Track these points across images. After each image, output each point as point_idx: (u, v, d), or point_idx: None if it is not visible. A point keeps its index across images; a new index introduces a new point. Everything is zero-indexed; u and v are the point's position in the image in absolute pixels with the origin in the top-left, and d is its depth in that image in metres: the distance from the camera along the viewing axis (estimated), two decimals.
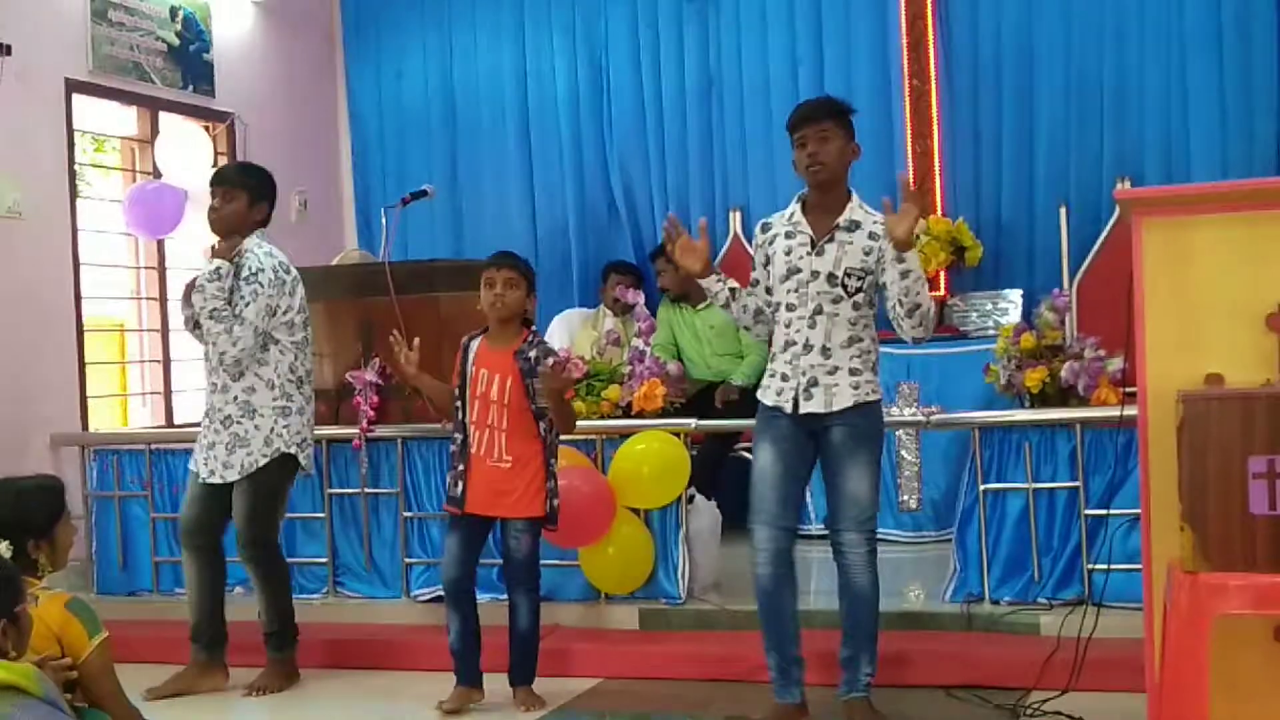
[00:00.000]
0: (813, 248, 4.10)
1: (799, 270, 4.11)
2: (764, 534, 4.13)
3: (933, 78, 7.25)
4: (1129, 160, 7.00)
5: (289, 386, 4.96)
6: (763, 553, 4.12)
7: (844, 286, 4.07)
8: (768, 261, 4.20)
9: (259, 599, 4.98)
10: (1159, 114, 6.98)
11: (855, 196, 4.18)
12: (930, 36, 7.25)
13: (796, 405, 4.08)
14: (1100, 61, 7.10)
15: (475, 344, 4.60)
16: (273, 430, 4.90)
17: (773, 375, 4.20)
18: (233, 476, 4.89)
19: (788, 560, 4.14)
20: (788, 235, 4.16)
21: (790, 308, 4.12)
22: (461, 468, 4.55)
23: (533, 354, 4.50)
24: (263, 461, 4.88)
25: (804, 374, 4.09)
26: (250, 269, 4.87)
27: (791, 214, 4.20)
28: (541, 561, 4.66)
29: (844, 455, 4.08)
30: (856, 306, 4.09)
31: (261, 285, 4.85)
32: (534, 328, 4.67)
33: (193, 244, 6.94)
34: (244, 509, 4.91)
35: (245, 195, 4.98)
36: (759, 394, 4.24)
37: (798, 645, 4.17)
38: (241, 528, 4.92)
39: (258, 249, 4.93)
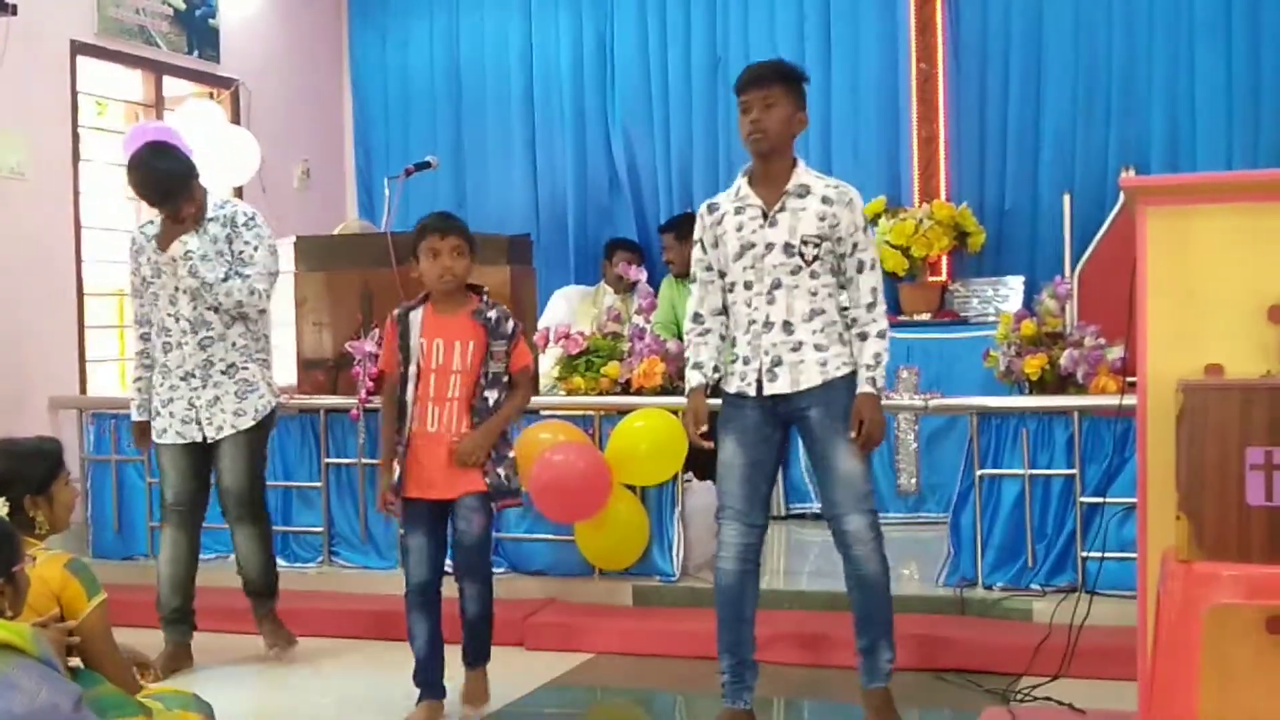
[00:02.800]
0: (764, 219, 3.88)
1: (753, 245, 3.87)
2: (731, 531, 3.93)
3: (940, 62, 7.25)
4: (1134, 149, 7.00)
5: (264, 340, 4.97)
6: (728, 548, 3.93)
7: (801, 255, 3.83)
8: (716, 243, 3.96)
9: (251, 558, 4.94)
10: (1165, 103, 6.98)
11: (801, 163, 3.96)
12: (938, 20, 7.25)
13: (760, 388, 3.87)
14: (1108, 49, 7.09)
15: (416, 316, 4.17)
16: (266, 383, 4.91)
17: (733, 360, 3.96)
18: (245, 424, 4.81)
19: (754, 558, 3.98)
20: (737, 211, 3.92)
21: (748, 285, 3.89)
22: (403, 449, 4.13)
23: (492, 314, 4.14)
24: (272, 405, 4.89)
25: (766, 353, 3.87)
26: (245, 213, 4.84)
27: (738, 189, 3.96)
28: (538, 537, 4.65)
29: (827, 436, 3.87)
30: (815, 275, 3.84)
31: (262, 228, 4.84)
32: (481, 288, 4.25)
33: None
34: (242, 468, 4.85)
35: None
36: (721, 383, 4.00)
37: (753, 649, 3.99)
38: (242, 488, 4.87)
39: (228, 202, 4.92)
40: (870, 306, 3.88)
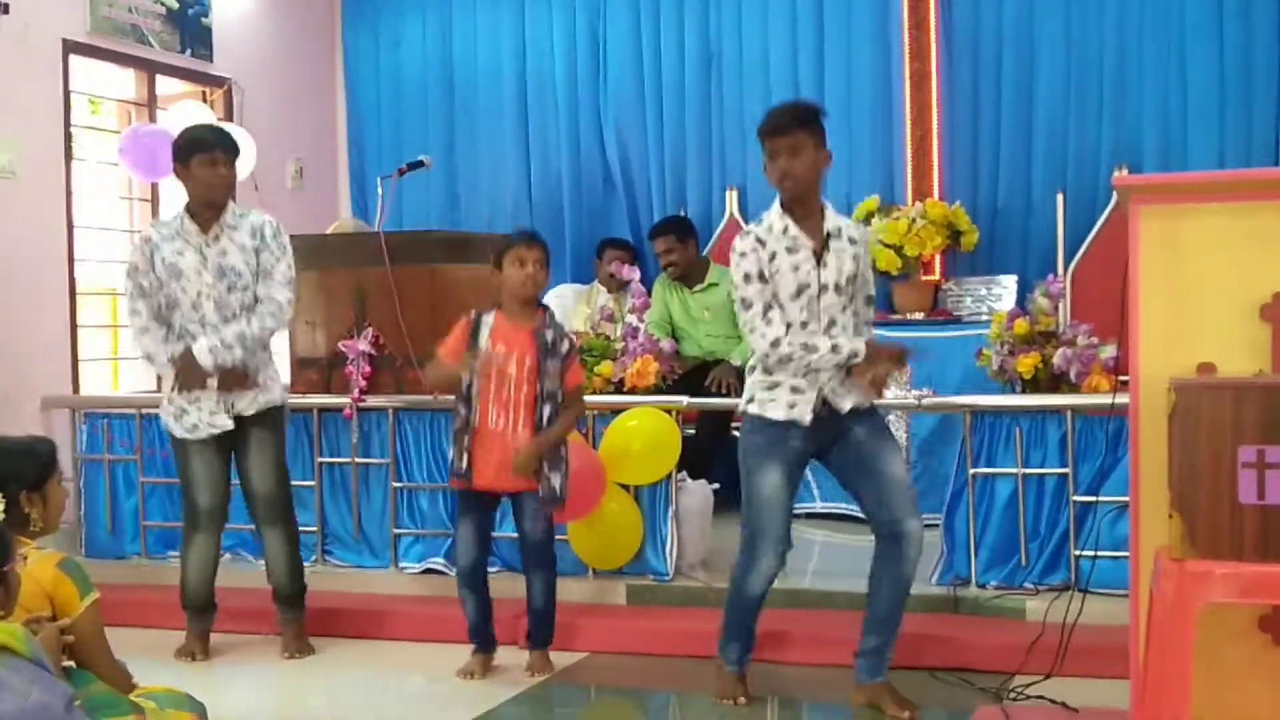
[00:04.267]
0: (817, 262, 4.07)
1: (808, 285, 4.05)
2: (768, 561, 4.16)
3: (934, 60, 7.24)
4: (1127, 148, 7.01)
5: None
6: (762, 575, 4.18)
7: (848, 295, 4.12)
8: (771, 276, 4.06)
9: (281, 560, 4.99)
10: (1158, 102, 6.99)
11: (827, 202, 4.19)
12: (932, 19, 7.24)
13: (823, 411, 4.08)
14: (1101, 49, 7.10)
15: (489, 318, 4.55)
16: (281, 377, 5.00)
17: (776, 387, 4.10)
18: (257, 408, 4.85)
19: (780, 566, 4.26)
20: (789, 250, 4.06)
21: (804, 324, 4.05)
22: (467, 440, 4.53)
23: (549, 334, 4.51)
24: (280, 400, 4.95)
25: (825, 384, 4.08)
26: (272, 224, 4.89)
27: (785, 228, 4.08)
28: None
29: (876, 445, 4.14)
30: (856, 313, 4.18)
31: (286, 239, 4.90)
32: (547, 305, 4.67)
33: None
34: (272, 470, 4.92)
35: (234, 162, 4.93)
36: (756, 409, 4.14)
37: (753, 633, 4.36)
38: (272, 490, 4.92)
39: (251, 211, 4.94)
40: (869, 324, 4.28)
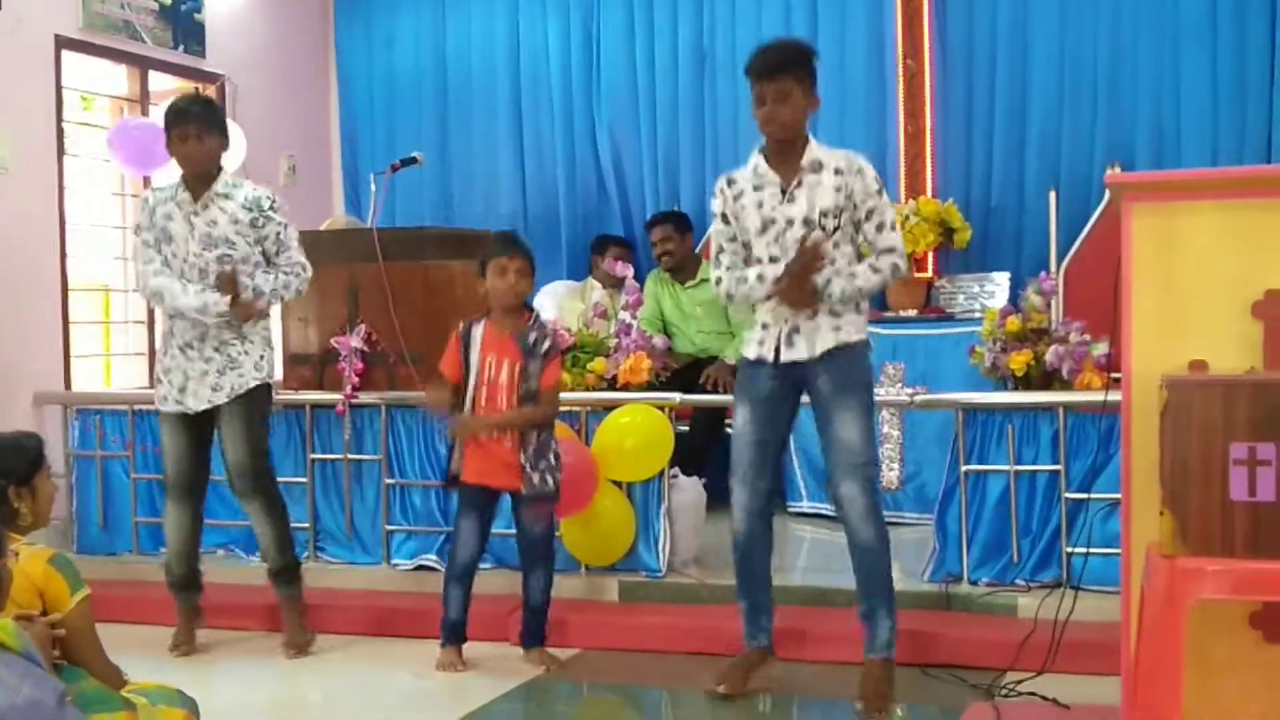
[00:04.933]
0: (783, 195, 4.10)
1: (774, 220, 4.10)
2: (740, 494, 4.24)
3: (926, 57, 7.24)
4: (1120, 145, 7.01)
5: (267, 320, 4.99)
6: (738, 510, 4.25)
7: (821, 228, 4.06)
8: (736, 216, 4.17)
9: (266, 535, 4.98)
10: (1151, 100, 6.99)
11: (813, 139, 4.18)
12: (925, 16, 7.24)
13: (778, 354, 4.11)
14: (1094, 46, 7.10)
15: (478, 330, 4.61)
16: (261, 357, 4.91)
17: (753, 327, 4.23)
18: (220, 399, 4.84)
19: (764, 518, 4.27)
20: (756, 188, 4.14)
21: (773, 259, 4.10)
22: (461, 443, 4.65)
23: (531, 336, 4.57)
24: (251, 384, 4.86)
25: (786, 321, 4.11)
26: (269, 197, 4.88)
27: (755, 166, 4.18)
28: None
29: (833, 402, 4.09)
30: (836, 245, 4.09)
31: (284, 211, 4.90)
32: (533, 308, 4.72)
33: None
34: (242, 444, 4.88)
35: (219, 132, 4.91)
36: (742, 349, 4.29)
37: (768, 594, 4.35)
38: (245, 462, 4.89)
39: (245, 183, 4.93)
40: (889, 251, 4.11)
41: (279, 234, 4.87)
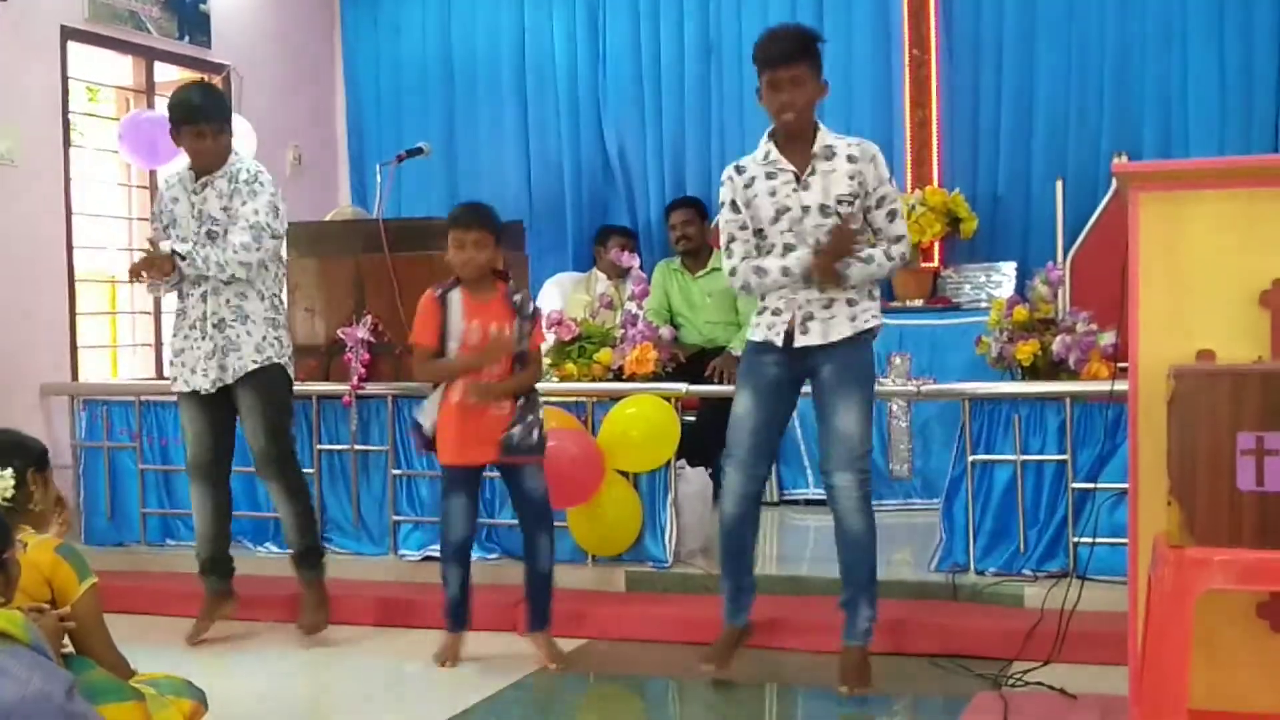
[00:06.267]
0: (797, 182, 4.08)
1: (788, 208, 4.08)
2: (734, 477, 4.23)
3: (933, 47, 7.24)
4: (1127, 135, 7.01)
5: (276, 300, 4.97)
6: (730, 493, 4.25)
7: (838, 215, 4.05)
8: (748, 204, 4.15)
9: (287, 517, 4.99)
10: (1158, 89, 6.99)
11: (822, 125, 4.17)
12: (932, 5, 7.24)
13: (790, 339, 4.09)
14: (1101, 36, 7.09)
15: (455, 296, 4.52)
16: (264, 338, 4.88)
17: (763, 311, 4.20)
18: (228, 379, 4.84)
19: (754, 503, 4.28)
20: (768, 176, 4.12)
21: (788, 247, 4.09)
22: (435, 418, 4.55)
23: (518, 297, 4.56)
24: (251, 367, 4.84)
25: (800, 308, 4.09)
26: (249, 170, 4.87)
27: (766, 153, 4.15)
28: None
29: (834, 392, 4.09)
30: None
31: (262, 184, 4.86)
32: (506, 274, 4.62)
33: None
34: (260, 425, 4.88)
35: (228, 124, 4.94)
36: (748, 334, 4.28)
37: (751, 575, 4.38)
38: (263, 444, 4.90)
39: (240, 160, 4.92)
40: (897, 240, 4.12)
41: (241, 206, 4.81)
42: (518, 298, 4.56)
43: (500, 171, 8.27)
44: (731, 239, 4.19)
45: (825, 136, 4.12)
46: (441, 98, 8.40)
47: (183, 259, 4.73)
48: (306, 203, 7.69)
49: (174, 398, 5.11)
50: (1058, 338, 5.05)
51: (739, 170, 4.19)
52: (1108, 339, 4.96)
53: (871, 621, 4.19)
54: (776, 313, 4.14)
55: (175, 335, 4.98)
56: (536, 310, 4.67)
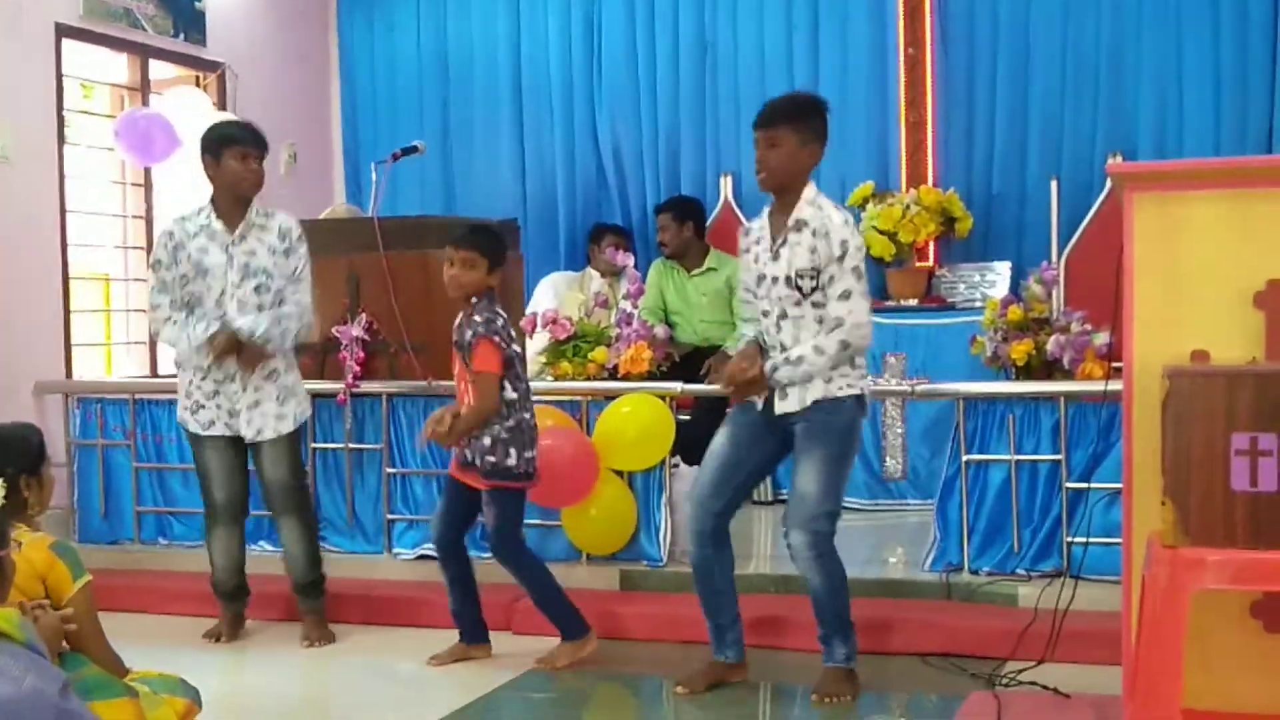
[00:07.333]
0: (770, 253, 4.13)
1: (764, 275, 4.15)
2: (694, 514, 4.26)
3: (928, 47, 7.24)
4: (1122, 135, 7.01)
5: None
6: (691, 534, 4.27)
7: (799, 289, 4.05)
8: (748, 266, 4.26)
9: (297, 550, 5.02)
10: (1153, 89, 6.99)
11: (810, 190, 4.11)
12: (927, 5, 7.24)
13: (770, 405, 4.12)
14: (1096, 35, 7.10)
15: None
16: (302, 382, 5.05)
17: None
18: (287, 428, 4.91)
19: (715, 541, 4.25)
20: (757, 241, 4.21)
21: (765, 313, 4.16)
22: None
23: (460, 322, 4.50)
24: (309, 410, 5.03)
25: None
26: (298, 228, 4.93)
27: (763, 219, 4.23)
28: (525, 521, 4.67)
29: (801, 451, 4.11)
30: (817, 305, 4.05)
31: (303, 240, 4.94)
32: (493, 297, 4.52)
33: (178, 191, 6.88)
34: (286, 464, 4.95)
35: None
36: None
37: (731, 612, 4.31)
38: (287, 482, 4.95)
39: (275, 211, 4.96)
40: (836, 325, 4.02)
41: (299, 269, 4.90)
42: (460, 322, 4.51)
43: (495, 170, 8.26)
44: (744, 291, 4.32)
45: (803, 208, 4.08)
46: (436, 96, 8.39)
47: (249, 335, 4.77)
48: (301, 201, 7.67)
49: (169, 396, 5.12)
50: (1052, 337, 5.06)
51: (746, 232, 4.30)
52: (1102, 339, 4.97)
53: (848, 652, 4.18)
54: None
55: (200, 379, 4.88)
56: (476, 334, 4.43)
